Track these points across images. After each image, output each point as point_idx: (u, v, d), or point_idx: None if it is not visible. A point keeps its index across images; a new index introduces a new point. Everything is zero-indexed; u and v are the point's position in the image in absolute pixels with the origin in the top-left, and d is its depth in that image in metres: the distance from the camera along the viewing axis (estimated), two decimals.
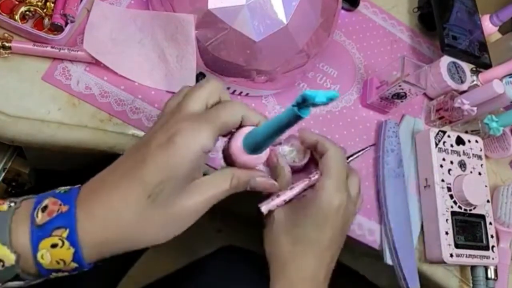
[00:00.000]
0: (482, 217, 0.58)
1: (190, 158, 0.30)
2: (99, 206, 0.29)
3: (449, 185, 0.57)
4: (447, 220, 0.55)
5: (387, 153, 0.57)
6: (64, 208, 0.28)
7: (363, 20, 0.67)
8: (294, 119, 0.29)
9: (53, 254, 0.28)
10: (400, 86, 0.55)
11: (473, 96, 0.60)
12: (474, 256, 0.55)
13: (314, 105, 0.27)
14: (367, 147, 0.50)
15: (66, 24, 0.44)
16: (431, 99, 0.67)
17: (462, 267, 0.60)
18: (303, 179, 0.41)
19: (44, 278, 0.30)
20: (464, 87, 0.64)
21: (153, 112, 0.47)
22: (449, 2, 0.69)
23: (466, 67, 0.66)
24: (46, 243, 0.28)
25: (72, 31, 0.45)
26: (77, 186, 0.31)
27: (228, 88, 0.51)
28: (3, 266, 0.27)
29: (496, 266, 0.58)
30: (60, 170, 0.58)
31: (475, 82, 0.68)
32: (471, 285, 0.58)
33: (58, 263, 0.28)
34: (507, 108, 0.67)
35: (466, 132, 0.65)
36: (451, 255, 0.54)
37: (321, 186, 0.39)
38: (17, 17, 0.43)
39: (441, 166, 0.57)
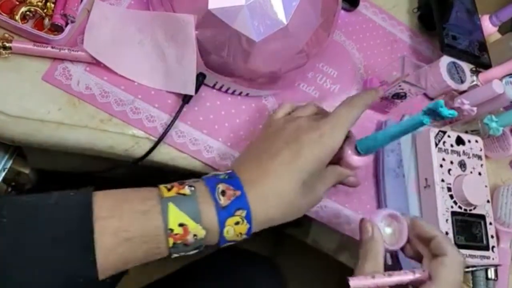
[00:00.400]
0: (482, 217, 0.58)
1: (330, 154, 0.40)
2: (267, 191, 0.37)
3: (449, 185, 0.57)
4: (447, 220, 0.55)
5: (387, 153, 0.57)
6: (238, 193, 0.36)
7: (363, 20, 0.67)
8: (418, 125, 0.39)
9: (236, 229, 0.35)
10: (400, 86, 0.55)
11: (473, 96, 0.60)
12: (474, 256, 0.55)
13: (439, 114, 0.36)
14: (493, 265, 0.50)
15: (67, 24, 0.44)
16: (431, 99, 0.67)
17: None
18: (405, 270, 0.38)
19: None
20: (464, 87, 0.64)
21: (153, 112, 0.47)
22: (449, 2, 0.69)
23: (466, 67, 0.66)
24: (231, 221, 0.35)
25: (72, 31, 0.45)
26: (229, 171, 0.38)
27: (228, 88, 0.51)
28: (196, 239, 0.34)
29: (496, 267, 0.58)
30: (60, 170, 0.58)
31: (475, 82, 0.68)
32: (471, 285, 0.58)
33: (237, 235, 0.36)
34: (507, 108, 0.67)
35: (466, 132, 0.65)
36: None
37: None
38: (17, 17, 0.43)
39: (441, 166, 0.57)
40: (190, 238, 0.34)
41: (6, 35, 0.42)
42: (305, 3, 0.45)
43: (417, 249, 0.41)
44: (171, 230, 0.33)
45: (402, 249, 0.42)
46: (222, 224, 0.35)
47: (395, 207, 0.55)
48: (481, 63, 0.68)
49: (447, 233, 0.54)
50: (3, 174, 0.48)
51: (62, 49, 0.44)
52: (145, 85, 0.48)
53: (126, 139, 0.46)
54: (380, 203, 0.56)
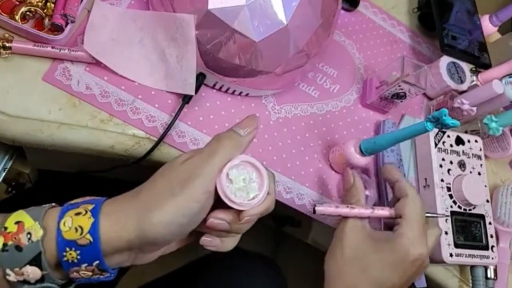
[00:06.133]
0: (482, 217, 0.58)
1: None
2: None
3: (448, 185, 0.57)
4: (446, 220, 0.55)
5: (387, 153, 0.57)
6: (97, 198, 0.32)
7: (363, 21, 0.67)
8: (422, 131, 0.42)
9: (75, 220, 0.29)
10: (399, 86, 0.55)
11: (473, 96, 0.60)
12: (474, 256, 0.55)
13: (443, 122, 0.38)
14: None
15: (67, 24, 0.44)
16: (430, 99, 0.67)
17: (462, 267, 0.60)
18: (366, 206, 0.44)
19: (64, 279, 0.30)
20: (464, 87, 0.64)
21: (153, 112, 0.47)
22: (449, 2, 0.69)
23: (466, 67, 0.66)
24: (71, 212, 0.30)
25: (72, 31, 0.45)
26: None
27: (228, 88, 0.51)
28: (29, 239, 0.29)
29: (495, 266, 0.59)
30: (60, 170, 0.58)
31: (474, 82, 0.68)
32: (470, 285, 0.59)
33: (76, 230, 0.29)
34: (507, 108, 0.67)
35: (466, 132, 0.65)
36: (451, 255, 0.54)
37: (403, 233, 0.41)
38: (17, 17, 0.43)
39: (441, 166, 0.57)
40: (23, 238, 0.28)
41: (6, 35, 0.42)
42: (305, 3, 0.45)
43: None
44: (5, 228, 0.29)
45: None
46: (61, 215, 0.30)
47: None
48: (481, 63, 0.69)
49: (446, 233, 0.54)
50: (4, 174, 0.48)
51: (62, 49, 0.44)
52: (145, 85, 0.48)
53: (127, 139, 0.46)
54: (381, 203, 0.56)
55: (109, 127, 0.45)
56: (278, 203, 0.52)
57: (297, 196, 0.52)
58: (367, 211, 0.43)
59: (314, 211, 0.43)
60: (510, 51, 0.72)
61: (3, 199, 0.58)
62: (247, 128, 0.35)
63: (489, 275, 0.58)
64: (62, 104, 0.44)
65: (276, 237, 1.16)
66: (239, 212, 0.33)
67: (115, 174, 0.52)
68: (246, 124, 0.35)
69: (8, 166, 0.48)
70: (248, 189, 0.33)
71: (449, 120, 0.38)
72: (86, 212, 0.30)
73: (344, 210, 0.43)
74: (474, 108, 0.59)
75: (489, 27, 0.73)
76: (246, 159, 0.34)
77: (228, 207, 0.32)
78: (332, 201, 0.45)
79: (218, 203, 0.33)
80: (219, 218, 0.33)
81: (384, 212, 0.44)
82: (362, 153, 0.50)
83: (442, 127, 0.40)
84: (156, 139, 0.46)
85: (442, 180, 0.57)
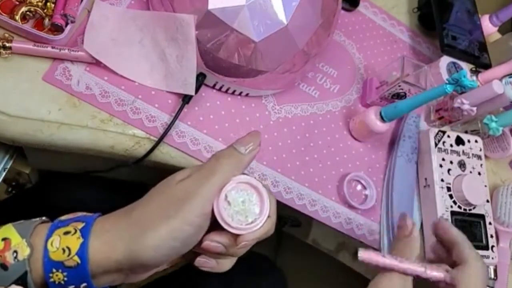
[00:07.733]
0: (482, 217, 0.58)
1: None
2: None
3: (448, 185, 0.57)
4: (446, 219, 0.55)
5: (403, 138, 0.59)
6: (89, 215, 0.31)
7: (363, 20, 0.67)
8: (440, 93, 0.44)
9: (63, 240, 0.28)
10: (399, 86, 0.55)
11: (473, 96, 0.60)
12: None
13: (461, 83, 0.40)
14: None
15: (67, 24, 0.44)
16: None
17: None
18: (418, 262, 0.39)
19: None
20: None
21: (153, 112, 0.47)
22: (449, 3, 0.69)
23: (466, 67, 0.66)
24: (60, 230, 0.29)
25: (72, 31, 0.45)
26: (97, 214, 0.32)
27: (228, 88, 0.51)
28: (15, 257, 0.28)
29: (495, 266, 0.59)
30: (60, 170, 0.58)
31: None
32: None
33: (63, 251, 0.28)
34: (507, 108, 0.67)
35: (466, 132, 0.65)
36: None
37: None
38: (17, 17, 0.43)
39: (441, 166, 0.57)
40: (9, 256, 0.28)
41: (6, 35, 0.42)
42: (305, 3, 0.45)
43: (438, 252, 0.42)
44: None
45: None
46: (50, 233, 0.29)
47: (401, 191, 0.56)
48: (481, 63, 0.69)
49: None
50: (4, 174, 0.48)
51: (62, 49, 0.44)
52: (145, 85, 0.48)
53: (127, 139, 0.46)
54: (388, 183, 0.57)
55: (109, 127, 0.45)
56: (278, 203, 0.52)
57: (297, 196, 0.52)
58: (419, 269, 0.37)
59: (357, 255, 0.38)
60: (510, 51, 0.72)
61: (3, 199, 0.58)
62: (249, 145, 0.32)
63: (489, 275, 0.58)
64: (62, 104, 0.44)
65: (276, 237, 1.16)
66: (236, 235, 0.31)
67: (115, 174, 0.52)
68: (248, 141, 0.33)
69: (8, 166, 0.48)
70: (247, 212, 0.31)
71: (468, 82, 0.39)
72: (76, 231, 0.29)
73: (393, 262, 0.37)
74: (474, 108, 0.58)
75: (489, 27, 0.73)
76: (246, 180, 0.32)
77: (225, 230, 0.31)
78: (378, 252, 0.38)
79: (216, 224, 0.31)
80: (215, 241, 0.31)
81: (438, 274, 0.38)
82: (383, 119, 0.52)
83: (461, 88, 0.40)
84: (156, 139, 0.46)
85: (442, 180, 0.57)
